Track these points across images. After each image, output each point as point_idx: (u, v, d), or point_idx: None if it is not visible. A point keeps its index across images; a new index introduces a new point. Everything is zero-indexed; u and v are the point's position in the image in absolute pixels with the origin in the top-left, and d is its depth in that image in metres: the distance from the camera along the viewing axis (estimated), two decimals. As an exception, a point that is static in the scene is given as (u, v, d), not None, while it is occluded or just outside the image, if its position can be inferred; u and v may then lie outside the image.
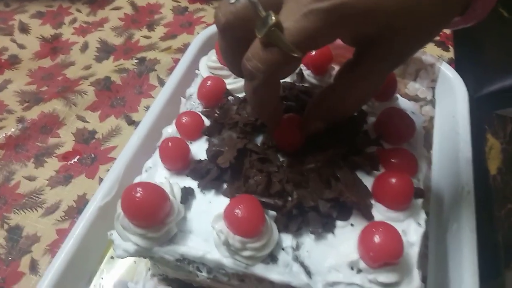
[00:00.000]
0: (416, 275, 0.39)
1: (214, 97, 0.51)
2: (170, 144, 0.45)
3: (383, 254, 0.36)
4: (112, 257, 0.54)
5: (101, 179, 0.60)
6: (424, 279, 0.53)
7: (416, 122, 0.52)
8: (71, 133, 0.69)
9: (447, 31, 0.87)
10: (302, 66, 0.54)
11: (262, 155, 0.44)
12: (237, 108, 0.49)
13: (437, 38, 0.86)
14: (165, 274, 0.52)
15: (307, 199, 0.41)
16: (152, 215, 0.39)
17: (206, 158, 0.46)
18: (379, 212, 0.42)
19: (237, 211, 0.37)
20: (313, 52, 0.53)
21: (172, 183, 0.43)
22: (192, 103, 0.54)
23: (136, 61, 0.79)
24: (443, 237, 0.55)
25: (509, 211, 0.65)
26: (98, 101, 0.73)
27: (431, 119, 0.72)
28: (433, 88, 0.75)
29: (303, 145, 0.45)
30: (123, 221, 0.40)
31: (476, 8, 0.42)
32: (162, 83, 0.76)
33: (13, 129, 0.68)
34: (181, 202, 0.42)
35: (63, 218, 0.59)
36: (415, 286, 0.38)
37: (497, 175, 0.68)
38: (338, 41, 0.77)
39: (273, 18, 0.32)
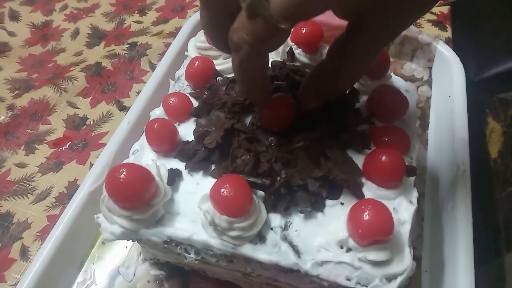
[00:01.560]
0: (407, 253, 0.38)
1: (203, 77, 0.50)
2: (156, 125, 0.44)
3: (372, 231, 0.35)
4: (103, 242, 0.54)
5: (92, 165, 0.59)
6: (419, 259, 0.53)
7: (409, 100, 0.51)
8: (62, 119, 0.68)
9: (445, 10, 0.86)
10: (292, 45, 0.53)
11: (250, 134, 0.43)
12: (226, 88, 0.48)
13: (435, 17, 0.84)
14: (156, 258, 0.51)
15: (296, 178, 0.40)
16: (137, 196, 0.38)
17: (194, 139, 0.45)
18: (370, 190, 0.41)
19: (223, 190, 0.37)
20: (304, 30, 0.52)
21: (159, 165, 0.42)
22: (181, 85, 0.53)
23: (127, 46, 0.78)
24: (438, 216, 0.55)
25: (509, 194, 0.64)
26: (89, 87, 0.72)
27: (428, 99, 0.71)
28: (430, 68, 0.74)
29: (293, 124, 0.44)
30: (108, 203, 0.39)
31: None
32: (153, 68, 0.75)
33: (3, 117, 0.67)
34: (167, 184, 0.41)
35: (54, 204, 0.58)
36: (406, 264, 0.37)
37: (498, 158, 0.68)
38: (331, 22, 0.76)
39: None
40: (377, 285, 0.36)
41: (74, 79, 0.73)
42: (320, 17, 0.77)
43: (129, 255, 0.53)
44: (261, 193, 0.41)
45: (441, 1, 0.72)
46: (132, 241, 0.44)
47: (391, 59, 0.75)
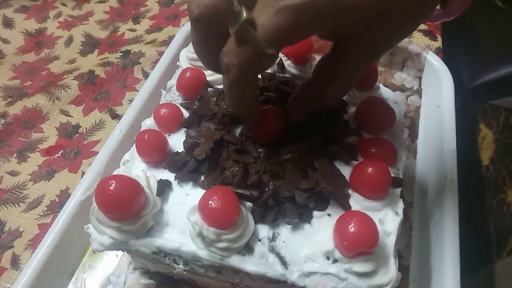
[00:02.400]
0: (392, 264, 0.38)
1: (194, 88, 0.51)
2: (146, 136, 0.44)
3: (357, 243, 0.36)
4: (94, 251, 0.54)
5: (84, 174, 0.59)
6: (406, 268, 0.53)
7: (397, 111, 0.51)
8: (55, 127, 0.69)
9: (435, 20, 0.87)
10: (282, 57, 0.53)
11: (239, 146, 0.44)
12: (216, 99, 0.49)
13: (425, 27, 0.86)
14: (146, 268, 0.51)
15: (283, 189, 0.40)
16: (126, 207, 0.38)
17: (184, 150, 0.45)
18: (356, 202, 0.41)
19: (211, 202, 0.37)
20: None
21: (149, 176, 0.43)
22: (172, 95, 0.53)
23: (120, 54, 0.79)
24: (426, 226, 0.55)
25: (501, 201, 0.65)
26: (82, 95, 0.73)
27: (417, 109, 0.72)
28: (420, 78, 0.75)
29: (282, 136, 0.44)
30: (98, 215, 0.40)
31: (454, 2, 0.42)
32: (146, 76, 0.75)
33: (-5, 125, 0.68)
34: (157, 195, 0.42)
35: (45, 212, 0.58)
36: (391, 275, 0.38)
37: (489, 165, 0.68)
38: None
39: (245, 14, 0.31)
40: (362, 296, 0.37)
41: (67, 87, 0.73)
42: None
43: (120, 264, 0.53)
44: (249, 204, 0.41)
45: (431, 21, 0.73)
46: (122, 251, 0.45)
47: (382, 69, 0.77)
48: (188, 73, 0.51)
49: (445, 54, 0.78)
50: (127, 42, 0.83)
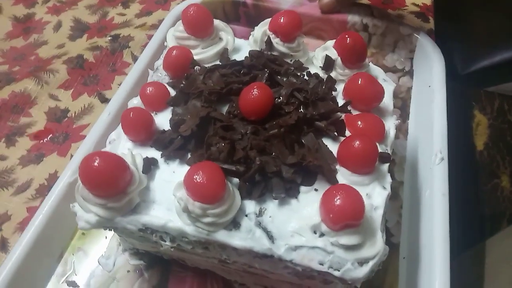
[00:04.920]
0: (379, 237, 0.38)
1: (180, 67, 0.50)
2: (131, 114, 0.44)
3: (343, 215, 0.36)
4: (83, 233, 0.54)
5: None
6: (396, 246, 0.53)
7: (386, 89, 0.51)
8: (43, 112, 0.68)
9: (428, 2, 0.86)
10: (270, 34, 0.53)
11: (226, 123, 0.43)
12: (203, 77, 0.48)
13: (417, 9, 0.85)
14: (136, 248, 0.51)
15: (270, 165, 0.40)
16: (111, 184, 0.38)
17: (170, 128, 0.45)
18: (344, 177, 0.41)
19: (196, 177, 0.37)
20: (282, 20, 0.52)
21: (135, 154, 0.42)
22: (159, 75, 0.52)
23: (109, 38, 0.78)
24: (416, 205, 0.55)
25: (495, 186, 0.65)
26: (71, 80, 0.72)
27: (409, 89, 0.71)
28: (411, 59, 0.74)
29: (270, 114, 0.44)
30: (83, 192, 0.39)
31: None
32: (136, 60, 0.74)
33: (-17, 109, 0.67)
34: (143, 172, 0.42)
35: (34, 196, 0.58)
36: (378, 249, 0.38)
37: (483, 151, 0.68)
38: (313, 14, 0.76)
39: None
40: (349, 269, 0.37)
41: (56, 72, 0.72)
42: (302, 9, 0.77)
43: (109, 246, 0.53)
44: (236, 180, 0.41)
45: None
46: (108, 230, 0.44)
47: (373, 50, 0.76)
48: (174, 52, 0.50)
49: (437, 37, 0.77)
50: (117, 27, 0.82)
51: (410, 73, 0.73)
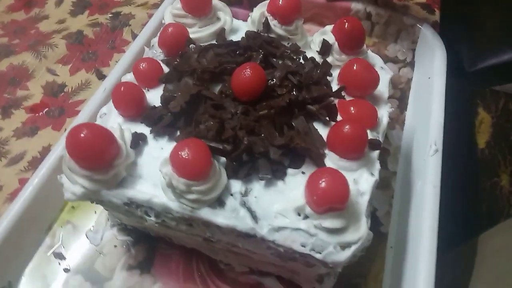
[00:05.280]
0: (363, 223, 0.38)
1: (175, 44, 0.50)
2: (122, 88, 0.44)
3: (326, 198, 0.36)
4: (73, 207, 0.54)
5: (67, 131, 0.59)
6: (385, 235, 0.53)
7: (383, 77, 0.51)
8: (41, 85, 0.68)
9: (435, -6, 0.85)
10: (268, 16, 0.52)
11: (216, 102, 0.43)
12: (198, 56, 0.48)
13: (423, 0, 0.84)
14: (124, 224, 0.52)
15: (258, 145, 0.40)
16: (97, 155, 0.38)
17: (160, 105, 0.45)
18: (332, 161, 0.41)
19: (181, 153, 0.37)
20: (280, 2, 0.51)
21: (124, 129, 0.42)
22: (154, 52, 0.52)
23: (110, 15, 0.77)
24: (407, 195, 0.55)
25: (494, 184, 0.65)
26: (70, 55, 0.72)
27: (409, 81, 0.70)
28: (414, 50, 0.73)
29: (262, 95, 0.44)
30: (70, 163, 0.39)
31: None
32: (135, 38, 0.74)
33: (-20, 80, 0.67)
34: (131, 147, 0.41)
35: (26, 168, 0.58)
36: (361, 233, 0.37)
37: (485, 149, 0.68)
38: (315, 0, 0.75)
39: None
40: (331, 252, 0.37)
41: (55, 46, 0.72)
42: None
43: (98, 220, 0.53)
44: (223, 159, 0.41)
45: None
46: (95, 203, 0.44)
47: (375, 40, 0.75)
48: (170, 29, 0.50)
49: (443, 31, 0.76)
50: (118, 4, 0.81)
51: (411, 64, 0.72)
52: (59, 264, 0.50)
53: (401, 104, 0.67)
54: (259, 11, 0.53)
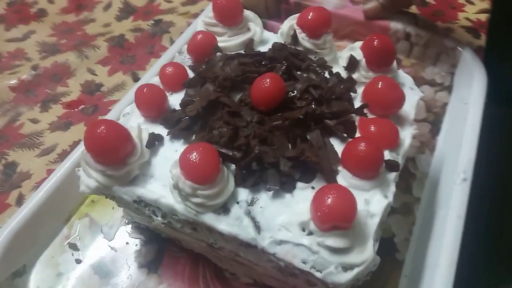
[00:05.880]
0: (370, 246, 0.36)
1: (203, 51, 0.51)
2: (145, 90, 0.45)
3: (331, 215, 0.34)
4: (93, 201, 0.56)
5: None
6: (401, 263, 0.51)
7: (411, 98, 0.49)
8: (79, 83, 0.71)
9: (483, 18, 0.81)
10: (297, 29, 0.52)
11: (233, 109, 0.43)
12: (223, 64, 0.49)
13: (470, 24, 0.81)
14: (137, 223, 0.52)
15: (268, 155, 0.39)
16: (110, 151, 0.39)
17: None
18: (344, 179, 0.40)
19: (189, 156, 0.37)
20: (310, 15, 0.51)
21: (142, 128, 0.43)
22: (183, 58, 0.53)
23: (152, 22, 0.80)
24: (429, 224, 0.52)
25: None
26: (110, 57, 0.75)
27: (444, 105, 0.67)
28: (453, 74, 0.70)
29: (280, 106, 0.43)
30: (86, 157, 0.41)
31: None
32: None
33: (26, 75, 0.71)
34: (146, 146, 0.42)
35: (55, 160, 0.61)
36: (366, 256, 0.36)
37: None
38: (357, 17, 0.74)
39: None
40: (332, 272, 0.35)
41: (97, 48, 0.76)
42: (344, 11, 0.76)
43: (114, 216, 0.55)
44: (234, 166, 0.41)
45: None
46: (109, 198, 0.46)
47: (413, 61, 0.73)
48: (199, 36, 0.51)
49: (488, 56, 0.72)
50: (161, 12, 0.84)
51: (448, 89, 0.69)
52: (72, 254, 0.51)
53: (434, 128, 0.65)
54: (289, 23, 0.53)
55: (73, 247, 0.52)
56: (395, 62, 0.51)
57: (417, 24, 0.72)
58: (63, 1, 0.89)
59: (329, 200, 0.35)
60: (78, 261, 0.51)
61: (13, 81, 0.70)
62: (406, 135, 0.45)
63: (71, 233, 0.53)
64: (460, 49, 0.68)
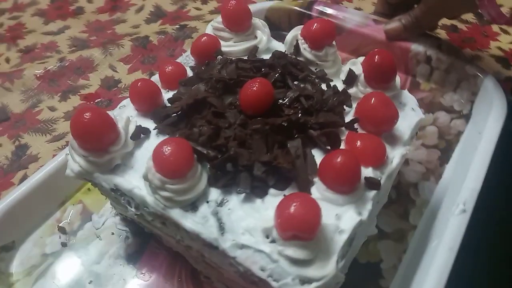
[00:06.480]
0: (333, 262, 0.35)
1: (206, 54, 0.52)
2: (139, 84, 0.46)
3: (290, 223, 0.33)
4: (89, 189, 0.58)
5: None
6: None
7: (410, 118, 0.47)
8: (100, 78, 0.75)
9: (516, 48, 0.78)
10: (300, 39, 0.52)
11: (219, 110, 0.43)
12: (221, 67, 0.49)
13: (501, 53, 0.77)
14: (124, 215, 0.53)
15: (243, 157, 0.39)
16: (94, 138, 0.41)
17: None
18: (318, 190, 0.39)
19: (162, 149, 0.37)
20: (314, 26, 0.51)
21: (130, 120, 0.45)
22: (187, 58, 0.55)
23: (177, 27, 0.83)
24: (420, 252, 0.49)
25: None
26: (132, 56, 0.78)
27: (459, 133, 0.64)
28: (472, 102, 0.67)
29: (269, 112, 0.43)
30: (72, 142, 0.42)
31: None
32: (191, 49, 0.78)
33: (52, 66, 0.76)
34: (131, 138, 0.43)
35: (63, 147, 0.64)
36: (327, 272, 0.34)
37: None
38: (378, 36, 0.72)
39: None
40: (288, 283, 0.34)
41: (121, 46, 0.79)
42: (366, 30, 0.75)
43: (106, 207, 0.56)
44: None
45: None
46: (89, 181, 0.47)
47: (433, 86, 0.70)
48: (203, 38, 0.52)
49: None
50: (189, 18, 0.87)
51: (466, 117, 0.66)
52: (60, 237, 0.53)
53: (443, 156, 0.61)
54: (294, 33, 0.53)
55: (62, 230, 0.54)
56: (398, 80, 0.49)
57: (440, 48, 0.69)
58: (100, 1, 0.94)
59: (292, 208, 0.34)
60: (64, 245, 0.52)
61: (40, 70, 0.75)
62: (395, 154, 0.43)
63: (63, 217, 0.55)
64: (481, 76, 0.65)
